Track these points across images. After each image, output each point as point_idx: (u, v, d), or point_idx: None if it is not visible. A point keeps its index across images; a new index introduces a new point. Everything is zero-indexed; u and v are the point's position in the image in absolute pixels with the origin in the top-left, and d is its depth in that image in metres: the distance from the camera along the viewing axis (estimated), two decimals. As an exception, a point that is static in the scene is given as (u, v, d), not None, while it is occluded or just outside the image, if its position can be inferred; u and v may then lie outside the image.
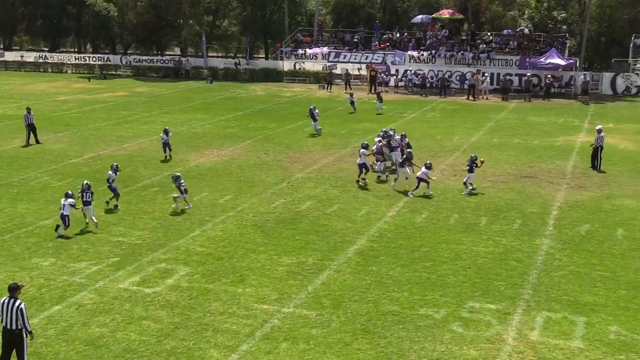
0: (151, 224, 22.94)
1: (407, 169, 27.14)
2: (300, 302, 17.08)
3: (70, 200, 21.97)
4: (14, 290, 13.59)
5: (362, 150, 27.89)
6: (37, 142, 35.40)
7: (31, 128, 35.54)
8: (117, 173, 25.28)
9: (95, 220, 22.42)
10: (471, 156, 26.85)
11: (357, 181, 27.87)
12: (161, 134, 32.59)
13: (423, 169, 26.24)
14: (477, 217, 23.67)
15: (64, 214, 21.71)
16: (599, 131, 30.49)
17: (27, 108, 36.49)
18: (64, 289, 17.84)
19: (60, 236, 21.58)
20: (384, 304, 16.98)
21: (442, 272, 18.96)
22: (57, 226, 21.85)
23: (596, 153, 30.38)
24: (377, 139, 30.23)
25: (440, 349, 14.86)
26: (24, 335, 13.49)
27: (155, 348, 14.85)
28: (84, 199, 22.39)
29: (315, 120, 38.23)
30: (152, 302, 17.03)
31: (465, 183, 26.69)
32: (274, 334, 15.50)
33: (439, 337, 15.32)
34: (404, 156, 27.87)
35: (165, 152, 32.13)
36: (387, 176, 28.65)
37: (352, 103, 46.31)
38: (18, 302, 13.42)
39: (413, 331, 15.62)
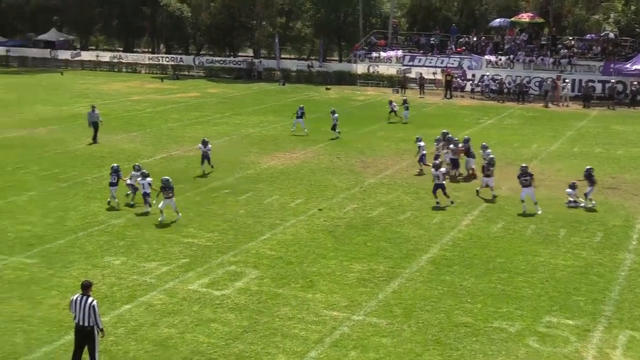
0: (221, 226, 23.21)
1: (491, 178, 26.51)
2: (371, 310, 17.03)
3: (148, 179, 24.18)
4: (86, 287, 13.93)
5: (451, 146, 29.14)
6: (95, 141, 36.20)
7: (95, 126, 36.45)
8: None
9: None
10: (587, 168, 26.22)
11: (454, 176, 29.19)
12: (199, 145, 30.38)
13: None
14: (556, 229, 23.23)
15: (146, 192, 24.12)
16: None
17: (92, 106, 37.52)
18: (134, 288, 18.18)
19: (130, 205, 22.97)
20: (457, 315, 16.81)
21: (518, 285, 18.66)
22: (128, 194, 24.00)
23: None
24: (437, 144, 30.81)
25: (515, 363, 14.64)
26: (96, 332, 13.82)
27: (224, 351, 15.00)
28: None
29: (300, 118, 38.96)
30: (221, 305, 17.21)
31: (586, 195, 25.60)
32: (343, 341, 15.48)
33: (514, 352, 15.08)
34: (487, 163, 27.09)
35: (202, 164, 29.87)
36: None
37: (392, 111, 43.98)
38: (90, 299, 13.78)
39: (487, 344, 15.41)
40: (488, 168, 26.56)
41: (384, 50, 65.23)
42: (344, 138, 38.14)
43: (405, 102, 44.42)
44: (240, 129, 40.68)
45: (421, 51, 64.43)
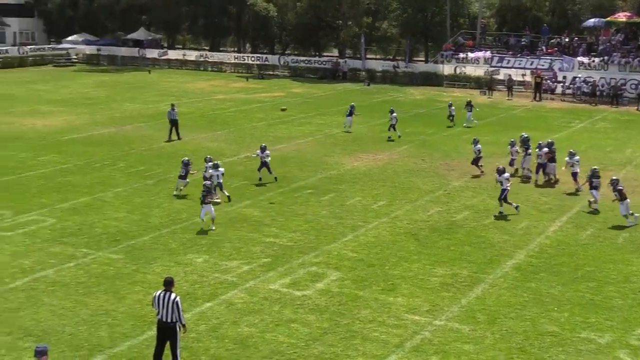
0: (303, 227, 23.36)
1: (596, 191, 25.47)
2: (453, 316, 16.89)
3: (221, 169, 25.46)
4: (169, 284, 14.23)
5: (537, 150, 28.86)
6: (179, 138, 37.13)
7: (174, 124, 37.25)
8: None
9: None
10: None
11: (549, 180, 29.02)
12: (257, 151, 29.31)
13: None
14: (649, 237, 22.59)
15: (219, 182, 25.13)
16: None
17: (172, 104, 38.29)
18: (215, 286, 18.47)
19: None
20: (543, 324, 16.51)
21: (608, 294, 18.20)
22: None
23: None
24: (513, 148, 30.45)
25: (603, 376, 14.30)
26: (178, 328, 14.12)
27: (303, 352, 15.10)
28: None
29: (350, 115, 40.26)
30: (302, 306, 17.33)
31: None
32: (424, 346, 15.39)
33: (603, 364, 14.74)
34: (590, 174, 25.93)
35: (259, 171, 28.96)
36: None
37: (450, 116, 43.06)
38: (173, 295, 14.07)
39: (574, 355, 15.08)
40: (592, 179, 25.62)
41: (472, 51, 64.54)
42: (429, 140, 37.92)
43: (468, 103, 43.49)
44: (324, 129, 40.85)
45: (510, 52, 63.49)
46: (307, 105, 50.10)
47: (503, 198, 24.98)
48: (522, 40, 63.60)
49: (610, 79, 55.75)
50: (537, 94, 55.17)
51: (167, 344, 14.16)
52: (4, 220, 23.56)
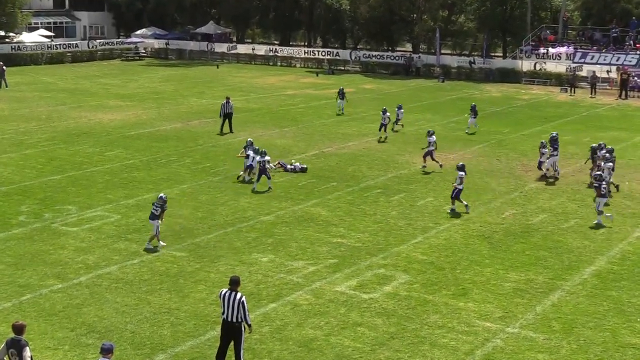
0: (372, 227, 23.34)
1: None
2: (527, 323, 16.66)
3: (267, 157, 27.25)
4: (234, 283, 14.37)
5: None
6: (231, 131, 38.06)
7: (227, 117, 38.25)
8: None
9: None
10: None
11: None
12: (248, 152, 28.91)
13: None
14: None
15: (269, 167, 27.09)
16: None
17: (226, 97, 39.13)
18: (280, 287, 18.59)
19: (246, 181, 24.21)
20: (624, 335, 16.16)
21: (695, 305, 17.73)
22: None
23: None
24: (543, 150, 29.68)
25: (687, 391, 13.93)
26: (243, 329, 14.27)
27: (369, 357, 15.09)
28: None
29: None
30: (368, 309, 17.32)
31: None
32: (495, 354, 15.23)
33: (687, 379, 14.36)
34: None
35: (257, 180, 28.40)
36: None
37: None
38: (239, 295, 14.22)
39: (656, 368, 14.75)
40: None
41: (553, 46, 63.46)
42: (505, 139, 37.45)
43: (472, 108, 40.20)
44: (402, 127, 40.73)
45: (594, 47, 62.20)
46: (378, 102, 49.92)
47: (454, 196, 24.93)
48: (613, 33, 62.08)
49: None
50: (623, 92, 53.93)
51: (231, 345, 14.31)
52: (69, 215, 24.17)
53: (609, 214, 24.08)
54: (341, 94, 45.27)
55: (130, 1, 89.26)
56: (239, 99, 50.24)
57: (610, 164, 27.28)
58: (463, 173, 25.14)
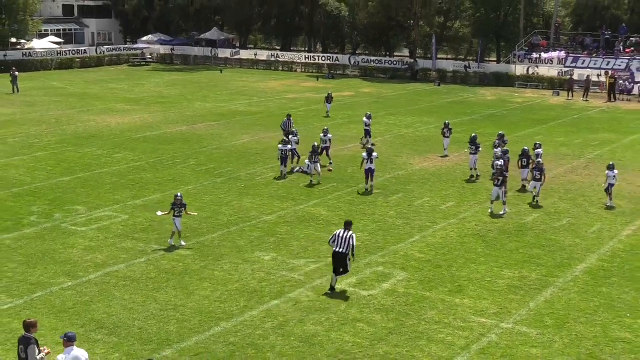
0: (371, 227, 23.35)
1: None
2: (521, 319, 16.67)
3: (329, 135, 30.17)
4: (350, 224, 18.15)
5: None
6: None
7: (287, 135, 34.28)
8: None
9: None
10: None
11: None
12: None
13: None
14: None
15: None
16: None
17: (288, 115, 36.14)
18: (282, 284, 18.60)
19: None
20: (614, 330, 16.17)
21: (683, 301, 17.74)
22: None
23: None
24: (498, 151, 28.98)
25: (675, 384, 13.94)
26: (348, 259, 17.75)
27: (368, 352, 15.10)
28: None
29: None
30: (368, 305, 17.33)
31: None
32: (490, 349, 15.24)
33: (675, 372, 14.36)
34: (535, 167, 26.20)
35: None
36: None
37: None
38: (351, 233, 17.78)
39: (645, 362, 14.76)
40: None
41: (546, 51, 63.46)
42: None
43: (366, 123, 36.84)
44: (393, 129, 40.73)
45: (585, 52, 62.19)
46: (377, 105, 49.93)
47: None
48: (607, 36, 62.07)
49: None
50: (612, 95, 53.91)
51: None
52: (79, 215, 24.18)
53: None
54: (328, 98, 45.33)
55: (136, 9, 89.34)
56: (242, 103, 50.36)
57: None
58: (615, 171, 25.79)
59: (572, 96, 54.98)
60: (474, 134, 31.06)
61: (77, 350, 12.17)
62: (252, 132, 39.05)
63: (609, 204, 25.94)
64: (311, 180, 28.11)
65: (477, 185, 28.46)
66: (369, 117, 36.27)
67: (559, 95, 56.27)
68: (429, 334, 15.87)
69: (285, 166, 29.42)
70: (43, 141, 36.39)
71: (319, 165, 28.16)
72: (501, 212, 24.81)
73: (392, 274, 19.35)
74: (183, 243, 21.50)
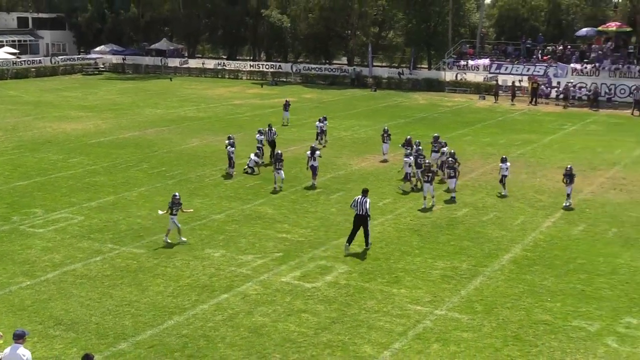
0: (313, 223, 23.37)
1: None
2: (453, 306, 16.88)
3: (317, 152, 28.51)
4: (366, 192, 20.87)
5: None
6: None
7: (272, 145, 33.16)
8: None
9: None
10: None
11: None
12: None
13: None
14: (637, 232, 22.50)
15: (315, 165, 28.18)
16: None
17: (269, 125, 34.71)
18: (231, 279, 18.51)
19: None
20: (537, 313, 16.48)
21: (598, 285, 18.15)
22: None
23: None
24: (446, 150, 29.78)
25: (592, 362, 14.26)
26: (368, 218, 20.45)
27: (313, 340, 15.12)
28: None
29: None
30: (312, 297, 17.35)
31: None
32: (426, 334, 15.40)
33: (592, 351, 14.69)
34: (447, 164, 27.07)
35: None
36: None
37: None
38: (366, 199, 20.46)
39: (565, 342, 15.06)
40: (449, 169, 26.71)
41: (472, 59, 64.37)
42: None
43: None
44: (332, 132, 40.78)
45: (508, 59, 63.27)
46: (317, 110, 50.00)
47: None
48: (520, 48, 63.31)
49: (592, 84, 55.62)
50: (533, 99, 54.95)
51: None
52: (36, 217, 23.70)
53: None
54: (286, 106, 44.31)
55: (89, 21, 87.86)
56: (190, 109, 49.93)
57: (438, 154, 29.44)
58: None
59: (497, 100, 55.93)
60: (408, 136, 31.37)
61: (21, 349, 11.89)
62: (200, 136, 38.76)
63: (503, 193, 26.81)
64: (275, 187, 27.58)
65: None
66: (321, 120, 36.98)
67: (484, 99, 57.14)
68: (369, 322, 15.96)
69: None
70: (0, 147, 35.54)
71: (282, 172, 27.50)
72: (427, 206, 25.24)
73: (334, 267, 19.41)
74: (183, 239, 21.36)
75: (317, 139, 36.88)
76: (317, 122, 37.35)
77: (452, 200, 25.99)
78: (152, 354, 14.50)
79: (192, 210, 23.37)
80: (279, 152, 28.23)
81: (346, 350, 14.67)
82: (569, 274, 18.92)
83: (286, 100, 44.81)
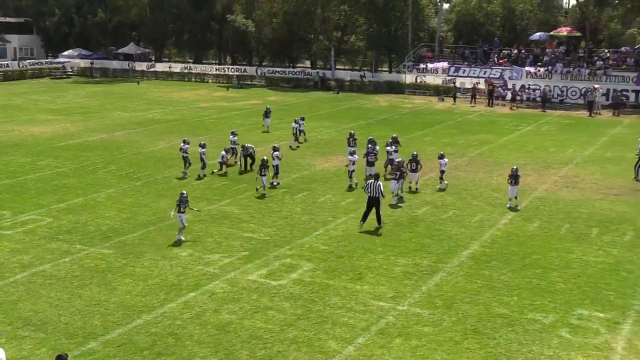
0: (279, 222, 23.32)
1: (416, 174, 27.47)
2: (414, 301, 16.95)
3: (276, 153, 28.12)
4: (378, 176, 22.92)
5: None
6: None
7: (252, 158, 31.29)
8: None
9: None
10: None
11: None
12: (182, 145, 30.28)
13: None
14: (589, 228, 22.81)
15: (275, 164, 27.77)
16: None
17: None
18: (199, 277, 18.39)
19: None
20: (494, 307, 16.63)
21: (552, 279, 18.38)
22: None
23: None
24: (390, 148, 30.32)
25: (547, 353, 14.42)
26: (380, 199, 22.29)
27: (279, 336, 15.09)
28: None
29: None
30: (277, 294, 17.30)
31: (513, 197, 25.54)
32: (388, 329, 15.45)
33: (547, 342, 14.87)
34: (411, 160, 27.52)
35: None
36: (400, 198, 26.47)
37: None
38: (378, 182, 22.34)
39: (522, 334, 15.22)
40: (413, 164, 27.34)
41: (431, 62, 64.80)
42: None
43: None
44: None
45: (465, 63, 63.82)
46: (282, 112, 49.91)
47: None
48: (477, 52, 63.93)
49: (545, 86, 56.36)
50: (490, 101, 55.49)
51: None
52: (4, 219, 23.30)
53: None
54: (267, 113, 42.27)
55: (57, 25, 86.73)
56: (158, 112, 49.53)
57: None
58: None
59: (456, 102, 56.40)
60: (370, 137, 31.47)
61: None
62: (167, 138, 38.47)
63: (440, 187, 27.74)
64: (257, 188, 27.18)
65: (373, 183, 28.78)
66: (296, 121, 37.61)
67: (443, 101, 57.53)
68: (333, 318, 15.97)
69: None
70: (-32, 150, 34.93)
71: (265, 178, 26.88)
72: (395, 202, 25.45)
73: (299, 264, 19.38)
74: (182, 238, 21.27)
75: (295, 140, 37.18)
76: (293, 123, 37.59)
77: (400, 201, 25.98)
78: (122, 353, 14.35)
79: (199, 209, 23.43)
80: (265, 157, 27.30)
81: (311, 346, 14.66)
82: (525, 269, 19.12)
83: (267, 108, 43.25)
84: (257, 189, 27.06)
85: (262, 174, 26.67)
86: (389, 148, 30.33)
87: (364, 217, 22.54)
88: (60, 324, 15.56)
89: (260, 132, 41.10)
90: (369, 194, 22.44)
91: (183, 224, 21.42)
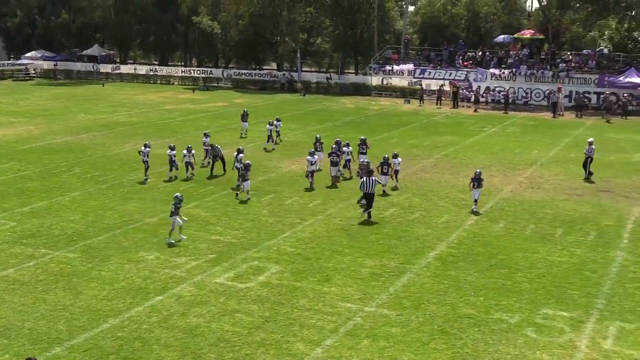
0: (246, 225, 23.25)
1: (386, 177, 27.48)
2: (382, 302, 17.01)
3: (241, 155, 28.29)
4: (371, 172, 23.99)
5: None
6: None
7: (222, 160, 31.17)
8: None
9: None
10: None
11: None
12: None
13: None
14: (553, 228, 23.09)
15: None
16: (590, 143, 30.35)
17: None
18: (166, 281, 18.25)
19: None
20: (461, 307, 16.75)
21: (517, 279, 18.57)
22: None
23: (585, 163, 30.46)
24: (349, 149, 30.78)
25: (513, 352, 14.56)
26: (374, 194, 23.70)
27: (247, 339, 15.03)
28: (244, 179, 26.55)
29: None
30: (245, 297, 17.24)
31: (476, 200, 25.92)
32: (356, 330, 15.47)
33: (513, 341, 15.01)
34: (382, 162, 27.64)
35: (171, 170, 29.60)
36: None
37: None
38: (372, 178, 23.59)
39: (488, 334, 15.35)
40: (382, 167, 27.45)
41: (397, 64, 65.10)
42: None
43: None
44: (264, 135, 40.60)
45: (431, 65, 64.22)
46: (248, 115, 49.74)
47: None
48: (442, 54, 64.42)
49: (509, 87, 56.96)
50: (455, 102, 55.90)
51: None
52: (-34, 224, 22.92)
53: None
54: (244, 116, 41.36)
55: (19, 26, 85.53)
56: (123, 114, 49.09)
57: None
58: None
59: (423, 103, 56.75)
60: (337, 139, 31.53)
61: None
62: (133, 140, 38.13)
63: (394, 185, 28.11)
64: (237, 194, 27.05)
65: (341, 185, 28.84)
66: (270, 123, 37.73)
67: (409, 102, 57.82)
68: (301, 320, 15.95)
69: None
70: None
71: (248, 182, 26.64)
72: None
73: (267, 267, 19.34)
74: (183, 237, 21.58)
75: (268, 140, 37.16)
76: (268, 125, 37.57)
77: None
78: (87, 358, 14.18)
79: (186, 219, 22.49)
80: (249, 162, 27.30)
81: (279, 349, 14.63)
82: (491, 269, 19.29)
83: (244, 111, 42.35)
84: (237, 195, 26.89)
85: (245, 178, 26.50)
86: (346, 149, 30.40)
87: (369, 207, 23.87)
88: (24, 330, 15.34)
89: (226, 134, 40.88)
90: (364, 191, 23.62)
91: (178, 223, 21.43)
